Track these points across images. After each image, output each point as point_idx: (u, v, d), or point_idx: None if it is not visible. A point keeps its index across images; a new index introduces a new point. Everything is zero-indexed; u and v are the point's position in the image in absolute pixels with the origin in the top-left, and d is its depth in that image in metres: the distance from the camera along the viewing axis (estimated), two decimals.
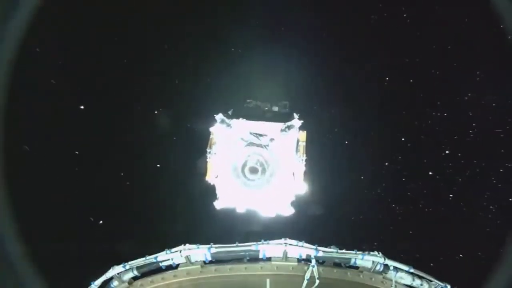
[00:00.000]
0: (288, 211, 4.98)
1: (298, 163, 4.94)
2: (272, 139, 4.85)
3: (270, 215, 4.97)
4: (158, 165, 10.06)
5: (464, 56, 9.23)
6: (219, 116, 4.80)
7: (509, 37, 8.21)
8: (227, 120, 4.79)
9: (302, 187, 4.96)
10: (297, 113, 5.57)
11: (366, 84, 9.35)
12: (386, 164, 9.49)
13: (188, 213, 9.71)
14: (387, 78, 9.24)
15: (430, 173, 10.04)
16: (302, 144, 5.02)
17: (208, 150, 4.84)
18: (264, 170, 4.69)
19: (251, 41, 8.38)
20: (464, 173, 9.83)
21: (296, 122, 4.90)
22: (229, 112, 5.38)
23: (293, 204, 4.97)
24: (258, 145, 4.75)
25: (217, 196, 4.89)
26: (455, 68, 9.36)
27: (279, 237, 4.58)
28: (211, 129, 4.77)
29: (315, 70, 8.86)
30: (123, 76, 9.22)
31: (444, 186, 10.05)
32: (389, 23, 9.30)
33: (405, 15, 9.20)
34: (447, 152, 9.87)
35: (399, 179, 9.82)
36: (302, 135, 5.03)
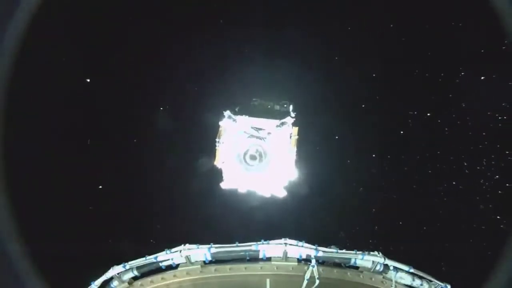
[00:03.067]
0: (281, 192, 5.86)
1: (290, 153, 5.80)
2: (269, 133, 5.72)
3: (266, 195, 5.88)
4: (159, 164, 10.07)
5: (455, 56, 9.45)
6: (227, 113, 5.69)
7: (505, 41, 8.35)
8: (233, 116, 5.70)
9: (292, 173, 5.85)
10: (293, 112, 6.61)
11: (357, 84, 9.80)
12: (373, 156, 10.03)
13: (189, 211, 9.77)
14: (373, 75, 9.67)
15: (426, 171, 10.16)
16: (294, 137, 5.86)
17: (217, 140, 5.75)
18: (261, 158, 5.63)
19: (262, 46, 9.25)
20: (462, 172, 9.89)
21: (289, 119, 5.75)
22: (236, 109, 6.22)
23: (285, 187, 5.85)
24: (257, 137, 5.67)
25: (223, 178, 5.80)
26: (441, 68, 9.60)
27: (279, 236, 4.59)
28: (220, 123, 5.70)
29: (314, 73, 9.60)
30: (138, 77, 9.52)
31: (442, 185, 10.11)
32: (383, 22, 9.49)
33: (401, 16, 9.38)
34: (440, 150, 10.01)
35: (387, 177, 10.20)
36: (294, 130, 5.89)
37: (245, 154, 5.67)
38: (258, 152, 5.66)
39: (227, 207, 7.26)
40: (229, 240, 4.60)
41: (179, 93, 9.45)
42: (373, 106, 9.83)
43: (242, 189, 5.89)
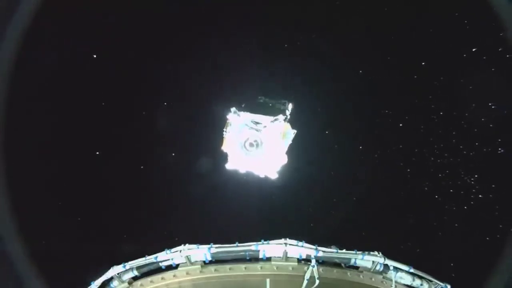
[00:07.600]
0: (274, 175, 7.13)
1: (281, 143, 7.07)
2: (265, 126, 6.96)
3: (261, 176, 7.18)
4: (159, 164, 10.08)
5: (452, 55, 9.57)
6: (233, 109, 6.86)
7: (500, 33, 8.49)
8: (237, 112, 6.90)
9: (283, 160, 7.13)
10: (291, 110, 7.81)
11: (351, 84, 10.21)
12: (360, 148, 10.59)
13: (189, 211, 9.82)
14: (360, 71, 10.15)
15: (423, 169, 10.21)
16: (284, 131, 7.12)
17: (224, 130, 7.04)
18: (258, 146, 6.92)
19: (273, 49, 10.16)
20: (462, 171, 9.93)
21: (281, 116, 6.97)
22: (242, 105, 7.46)
23: (277, 171, 7.13)
24: (255, 129, 6.95)
25: (228, 160, 7.07)
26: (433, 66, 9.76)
27: (279, 236, 4.59)
28: (227, 116, 6.93)
29: (313, 75, 10.24)
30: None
31: (441, 184, 10.14)
32: (382, 21, 9.60)
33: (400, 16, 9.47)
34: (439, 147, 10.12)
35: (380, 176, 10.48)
36: (286, 126, 7.12)
37: (245, 142, 6.94)
38: (255, 141, 6.92)
39: (230, 183, 8.68)
40: (229, 239, 4.61)
41: (196, 92, 10.14)
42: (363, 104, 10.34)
43: (242, 170, 7.15)
